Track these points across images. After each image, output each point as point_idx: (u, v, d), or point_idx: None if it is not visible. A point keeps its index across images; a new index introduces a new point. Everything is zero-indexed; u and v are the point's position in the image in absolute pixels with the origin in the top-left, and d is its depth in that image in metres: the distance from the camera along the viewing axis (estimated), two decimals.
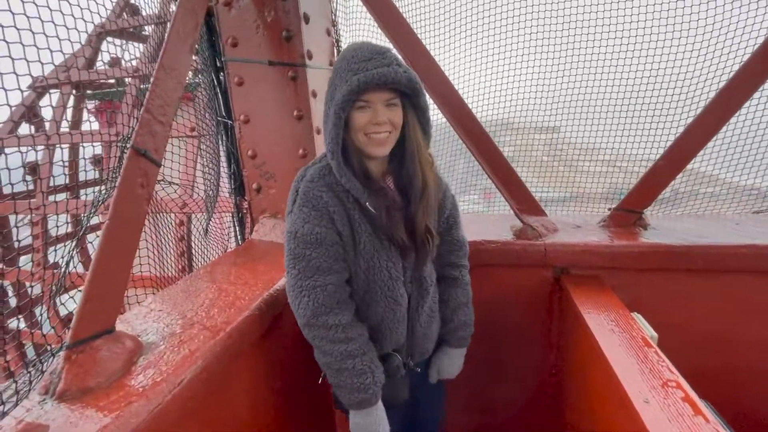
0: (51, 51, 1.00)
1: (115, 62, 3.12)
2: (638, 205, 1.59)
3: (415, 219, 1.04)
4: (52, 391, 0.80)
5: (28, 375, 0.83)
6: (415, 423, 1.39)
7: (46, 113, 3.51)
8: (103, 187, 1.05)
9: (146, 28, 3.19)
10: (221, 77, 1.76)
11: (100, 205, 1.01)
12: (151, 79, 1.08)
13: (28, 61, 0.93)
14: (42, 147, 2.65)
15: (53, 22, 1.02)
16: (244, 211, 1.93)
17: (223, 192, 1.99)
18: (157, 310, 1.17)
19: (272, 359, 1.29)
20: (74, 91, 2.80)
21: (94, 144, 2.98)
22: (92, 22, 1.22)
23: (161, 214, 1.94)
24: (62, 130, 2.88)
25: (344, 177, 0.99)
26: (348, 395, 1.05)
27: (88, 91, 3.04)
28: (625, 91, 2.03)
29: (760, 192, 1.87)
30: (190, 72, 1.42)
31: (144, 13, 3.19)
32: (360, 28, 2.12)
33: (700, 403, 0.88)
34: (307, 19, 1.60)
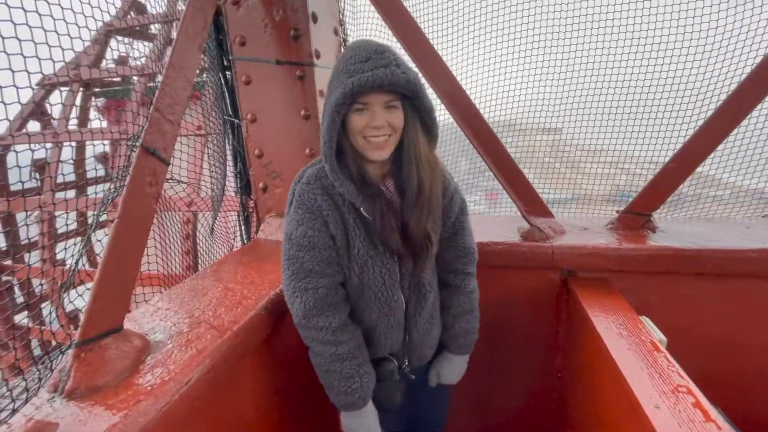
0: (62, 48, 1.00)
1: (122, 61, 3.13)
2: (647, 208, 1.57)
3: (409, 224, 1.01)
4: (61, 389, 0.80)
5: (38, 372, 0.83)
6: (416, 425, 1.39)
7: (50, 110, 3.53)
8: (112, 185, 1.05)
9: (152, 26, 3.20)
10: (228, 76, 1.76)
11: (109, 203, 1.01)
12: (161, 78, 1.08)
13: (39, 59, 0.93)
14: (50, 144, 2.67)
15: (64, 19, 1.02)
16: (250, 210, 1.93)
17: (228, 191, 1.99)
18: (164, 308, 1.17)
19: (277, 358, 1.29)
20: (82, 89, 2.82)
21: (103, 142, 2.99)
22: (101, 20, 1.22)
23: (167, 212, 1.94)
24: (70, 128, 2.89)
25: (338, 180, 0.98)
26: (335, 397, 1.08)
27: (96, 89, 3.05)
28: (630, 93, 2.01)
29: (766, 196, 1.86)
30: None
31: (150, 12, 3.20)
32: (367, 27, 2.11)
33: (711, 409, 0.87)
34: (315, 19, 1.59)
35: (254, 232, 1.89)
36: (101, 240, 1.01)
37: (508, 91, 2.27)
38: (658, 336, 1.19)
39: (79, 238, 1.12)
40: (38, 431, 0.70)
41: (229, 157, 1.90)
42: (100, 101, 3.17)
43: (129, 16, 3.04)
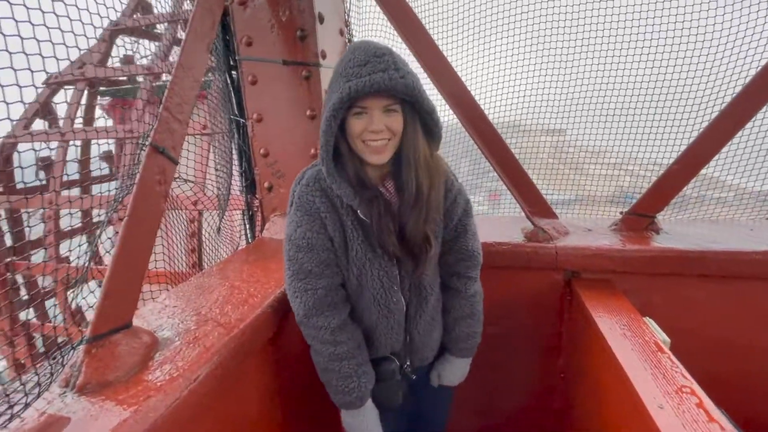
0: (66, 46, 1.00)
1: (128, 60, 3.15)
2: (651, 210, 1.58)
3: (407, 227, 1.00)
4: (72, 384, 0.81)
5: (50, 367, 0.85)
6: (418, 424, 1.39)
7: (55, 109, 3.55)
8: (122, 184, 1.07)
9: (157, 26, 3.22)
10: (234, 76, 1.77)
11: (119, 202, 1.02)
12: (170, 77, 1.10)
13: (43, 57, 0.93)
14: (56, 143, 2.69)
15: (68, 16, 1.03)
16: (255, 209, 1.94)
17: (233, 190, 2.00)
18: (172, 306, 1.18)
19: (282, 356, 1.30)
20: (88, 88, 2.83)
21: (108, 141, 3.01)
22: (107, 17, 1.23)
23: (173, 210, 1.96)
24: (75, 126, 2.91)
25: (335, 183, 0.98)
26: (334, 395, 1.09)
27: (101, 88, 3.07)
28: (634, 94, 2.02)
29: None
30: None
31: (156, 12, 3.22)
32: (373, 28, 2.13)
33: (715, 410, 0.87)
34: (321, 19, 1.60)
35: (259, 231, 1.91)
36: (110, 238, 1.02)
37: (512, 92, 2.28)
38: (662, 337, 1.20)
39: (89, 236, 1.13)
40: (51, 426, 0.71)
41: (235, 157, 1.91)
42: (106, 100, 3.20)
43: (135, 16, 3.05)
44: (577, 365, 1.54)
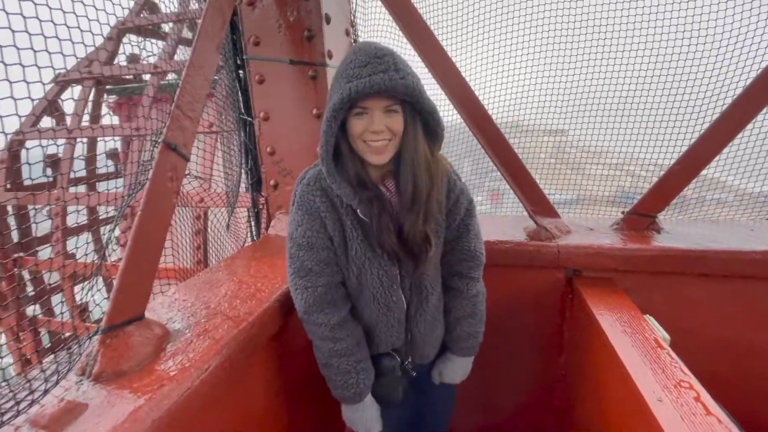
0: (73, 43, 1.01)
1: (134, 59, 3.18)
2: (652, 209, 1.60)
3: (405, 227, 1.01)
4: (89, 373, 0.84)
5: (68, 356, 0.87)
6: (421, 422, 1.41)
7: (63, 107, 3.59)
8: (134, 180, 1.09)
9: (163, 25, 3.25)
10: (241, 75, 1.80)
11: (132, 198, 1.04)
12: (180, 76, 1.12)
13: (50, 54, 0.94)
14: (63, 141, 2.72)
15: (75, 13, 1.04)
16: (261, 207, 1.97)
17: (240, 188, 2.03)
18: (181, 299, 1.21)
19: (287, 350, 1.33)
20: (97, 86, 2.87)
21: (114, 139, 3.04)
22: (115, 14, 1.24)
23: (181, 207, 1.99)
24: (88, 125, 2.94)
25: (335, 183, 0.99)
26: (334, 390, 1.12)
27: (108, 86, 3.10)
28: (637, 95, 2.03)
29: None
30: None
31: (162, 11, 3.25)
32: (378, 28, 2.15)
33: (713, 404, 0.89)
34: (328, 20, 1.63)
35: (264, 229, 1.93)
36: (124, 234, 1.05)
37: (514, 93, 2.30)
38: (662, 334, 1.22)
39: (94, 233, 1.14)
40: (70, 411, 0.73)
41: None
42: (112, 98, 3.23)
43: (142, 15, 3.08)
44: (578, 363, 1.56)
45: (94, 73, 2.68)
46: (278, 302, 1.24)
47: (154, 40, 3.13)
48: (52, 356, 0.87)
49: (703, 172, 1.54)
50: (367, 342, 1.16)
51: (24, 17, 0.84)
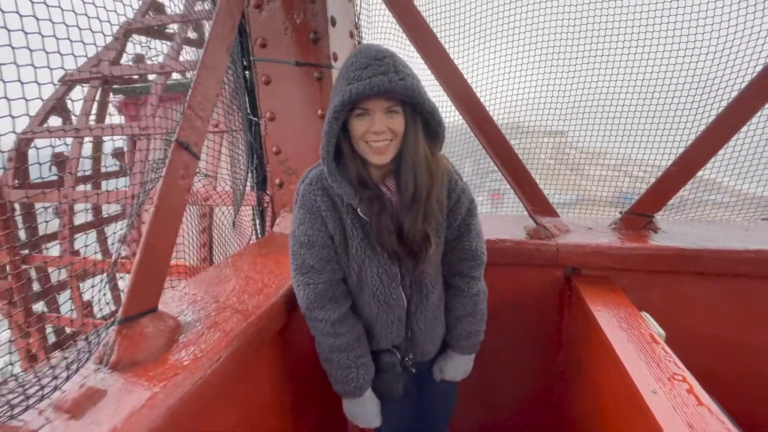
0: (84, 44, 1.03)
1: (139, 59, 3.22)
2: (649, 209, 1.63)
3: (404, 226, 1.03)
4: (106, 361, 0.88)
5: (87, 345, 0.91)
6: (423, 418, 1.44)
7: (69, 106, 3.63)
8: (148, 178, 1.13)
9: (169, 26, 3.29)
10: (247, 76, 1.84)
11: (146, 195, 1.08)
12: (193, 77, 1.16)
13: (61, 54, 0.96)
14: (70, 140, 2.76)
15: (86, 14, 1.06)
16: (266, 205, 2.00)
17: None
18: (191, 294, 1.25)
19: (293, 344, 1.36)
20: (104, 85, 2.91)
21: (122, 137, 3.08)
22: (124, 15, 1.27)
23: (188, 206, 2.02)
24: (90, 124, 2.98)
25: (336, 182, 1.01)
26: (334, 384, 1.16)
27: (115, 86, 3.14)
28: (634, 97, 2.06)
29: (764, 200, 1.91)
30: None
31: (168, 12, 3.29)
32: (381, 30, 2.19)
33: (704, 396, 0.93)
34: (333, 22, 1.67)
35: (269, 226, 1.97)
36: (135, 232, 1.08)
37: (514, 95, 2.33)
38: (657, 330, 1.25)
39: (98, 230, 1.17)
40: (90, 397, 0.77)
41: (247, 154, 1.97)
42: (119, 98, 3.27)
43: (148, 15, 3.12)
44: (576, 359, 1.59)
45: (102, 72, 2.72)
46: (284, 297, 1.27)
47: (160, 41, 3.17)
48: (72, 346, 0.90)
49: (699, 173, 1.58)
50: (368, 338, 1.18)
51: (37, 18, 0.87)
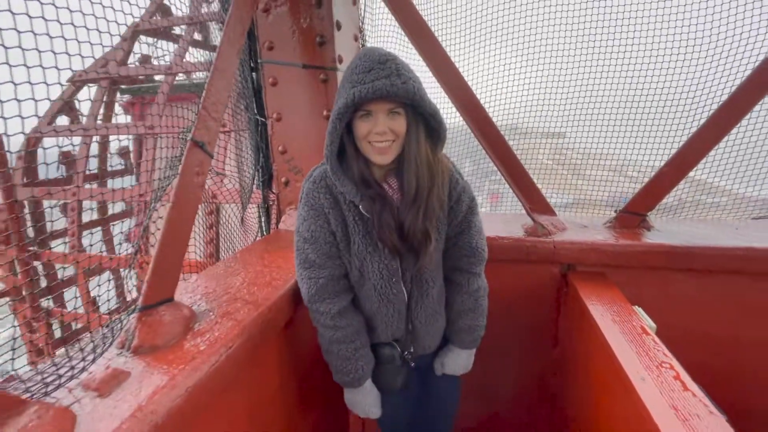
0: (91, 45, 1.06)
1: (145, 60, 3.28)
2: (642, 208, 1.69)
3: (405, 223, 1.06)
4: (128, 346, 0.93)
5: (111, 331, 0.97)
6: (427, 415, 1.47)
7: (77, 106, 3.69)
8: (163, 175, 1.19)
9: (175, 28, 3.35)
10: (254, 77, 1.90)
11: (163, 192, 1.14)
12: (207, 79, 1.22)
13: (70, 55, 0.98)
14: (78, 139, 2.82)
15: (94, 15, 1.09)
16: (271, 203, 2.06)
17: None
18: (203, 286, 1.30)
19: (299, 334, 1.41)
20: (111, 86, 2.97)
21: (126, 137, 3.14)
22: (132, 14, 1.31)
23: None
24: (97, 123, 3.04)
25: (338, 181, 1.06)
26: (335, 374, 1.21)
27: (122, 86, 3.20)
28: (633, 99, 2.11)
29: (758, 201, 1.97)
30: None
31: (174, 14, 3.35)
32: (384, 33, 2.24)
33: (690, 382, 0.99)
34: (339, 26, 1.72)
35: (274, 224, 2.03)
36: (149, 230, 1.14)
37: (514, 96, 2.38)
38: (649, 322, 1.31)
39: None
40: (116, 377, 0.83)
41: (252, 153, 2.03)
42: (125, 98, 3.33)
43: (155, 17, 3.18)
44: (572, 352, 1.65)
45: (110, 73, 2.78)
46: (291, 291, 1.33)
47: (166, 41, 3.23)
48: (98, 331, 0.96)
49: (691, 174, 1.64)
50: (369, 331, 1.23)
51: (45, 20, 0.89)
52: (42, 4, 0.88)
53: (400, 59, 0.99)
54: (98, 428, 0.71)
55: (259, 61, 1.81)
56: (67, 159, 2.86)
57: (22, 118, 0.84)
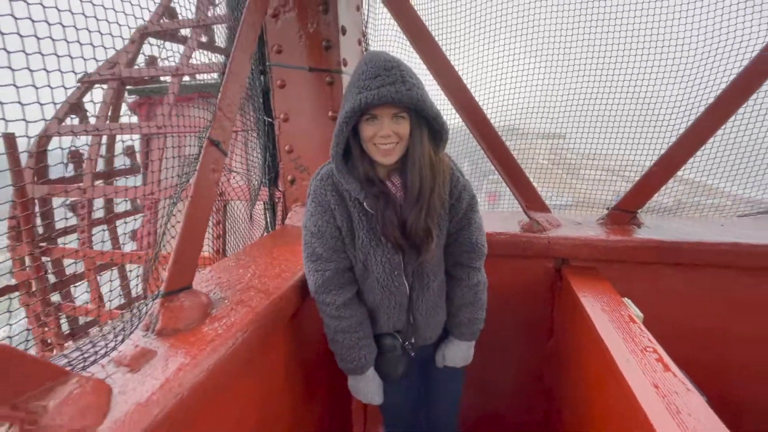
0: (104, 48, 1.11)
1: (151, 61, 3.36)
2: (632, 206, 1.77)
3: (408, 221, 1.11)
4: (152, 329, 1.01)
5: (138, 314, 1.04)
6: (432, 403, 1.54)
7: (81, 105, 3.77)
8: (182, 173, 1.26)
9: (181, 30, 3.43)
10: (263, 79, 1.98)
11: (183, 189, 1.22)
12: (222, 82, 1.30)
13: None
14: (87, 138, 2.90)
15: (107, 20, 1.14)
16: (277, 200, 2.14)
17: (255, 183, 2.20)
18: (217, 276, 1.38)
19: (307, 323, 1.48)
20: (118, 86, 3.05)
21: (131, 137, 3.22)
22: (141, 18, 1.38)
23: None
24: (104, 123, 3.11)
25: (344, 179, 1.11)
26: (339, 362, 1.28)
27: (129, 87, 3.28)
28: (633, 100, 2.16)
29: (746, 200, 2.05)
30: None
31: (180, 18, 3.43)
32: (387, 36, 2.32)
33: (671, 363, 1.07)
34: (344, 31, 1.81)
35: (280, 220, 2.11)
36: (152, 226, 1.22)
37: (513, 97, 2.46)
38: (636, 312, 1.39)
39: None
40: (144, 355, 0.91)
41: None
42: (132, 98, 3.41)
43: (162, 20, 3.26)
44: (566, 343, 1.72)
45: (119, 74, 2.85)
46: (300, 282, 1.40)
47: (172, 43, 3.30)
48: (124, 316, 1.04)
49: (679, 173, 1.72)
50: (372, 322, 1.30)
51: (63, 26, 0.94)
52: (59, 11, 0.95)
53: (404, 65, 1.04)
54: (131, 398, 0.79)
55: (267, 64, 1.89)
56: (75, 159, 2.94)
57: (45, 121, 0.91)
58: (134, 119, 3.81)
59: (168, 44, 3.35)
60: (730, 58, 1.70)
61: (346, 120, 1.03)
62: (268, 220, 2.21)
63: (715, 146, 1.84)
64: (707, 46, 1.73)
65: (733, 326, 1.66)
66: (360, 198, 1.12)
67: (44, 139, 2.79)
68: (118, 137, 3.36)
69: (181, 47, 3.24)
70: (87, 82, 2.97)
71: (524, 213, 1.84)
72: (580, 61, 2.19)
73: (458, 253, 1.30)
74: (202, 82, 3.05)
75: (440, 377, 1.48)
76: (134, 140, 3.35)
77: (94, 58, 1.02)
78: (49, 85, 0.88)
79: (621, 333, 1.21)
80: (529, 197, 1.84)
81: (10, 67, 0.78)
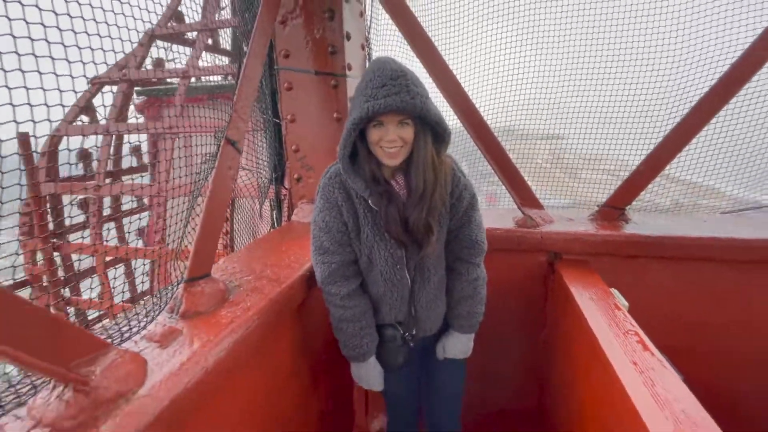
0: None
1: (158, 63, 3.46)
2: (621, 203, 1.88)
3: (409, 218, 1.18)
4: (177, 311, 1.11)
5: (165, 297, 1.14)
6: (435, 394, 1.61)
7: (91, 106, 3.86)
8: (200, 172, 1.36)
9: (188, 33, 3.53)
10: (271, 82, 2.07)
11: (202, 187, 1.31)
12: (237, 85, 1.40)
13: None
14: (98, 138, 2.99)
15: (117, 24, 1.17)
16: (283, 198, 2.24)
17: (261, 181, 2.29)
18: (231, 267, 1.48)
19: (314, 312, 1.57)
20: (128, 87, 3.14)
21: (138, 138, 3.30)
22: (149, 22, 1.45)
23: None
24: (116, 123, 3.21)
25: (350, 178, 1.18)
26: (342, 349, 1.37)
27: (137, 88, 3.38)
28: (633, 101, 2.22)
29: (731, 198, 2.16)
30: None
31: (187, 21, 3.53)
32: (387, 42, 2.42)
33: (650, 344, 1.17)
34: (348, 37, 1.90)
35: (286, 216, 2.21)
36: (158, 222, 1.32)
37: (511, 98, 2.54)
38: (622, 301, 1.49)
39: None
40: (171, 333, 1.00)
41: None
42: (140, 99, 3.50)
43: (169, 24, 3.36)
44: (558, 333, 1.82)
45: (128, 75, 2.95)
46: (307, 272, 1.50)
47: (180, 46, 3.40)
48: (151, 299, 1.14)
49: (666, 170, 1.82)
50: (375, 313, 1.38)
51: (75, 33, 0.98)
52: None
53: (410, 74, 1.10)
54: (165, 368, 0.89)
55: (275, 67, 1.99)
56: (87, 160, 3.03)
57: (68, 123, 0.98)
58: (141, 120, 3.90)
59: (174, 47, 3.45)
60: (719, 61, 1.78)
61: (354, 126, 1.10)
62: (275, 216, 2.31)
63: (698, 145, 1.94)
64: (693, 49, 1.82)
65: (711, 315, 1.76)
66: (365, 196, 1.19)
67: (56, 138, 2.88)
68: (125, 137, 3.45)
69: (188, 50, 3.34)
70: (97, 83, 3.07)
71: (519, 209, 1.94)
72: (580, 61, 2.23)
73: (459, 249, 1.36)
74: (210, 84, 3.15)
75: (442, 369, 1.54)
76: (141, 142, 3.45)
77: (105, 62, 1.07)
78: (73, 90, 0.92)
79: (606, 318, 1.31)
80: (523, 195, 1.94)
81: (38, 71, 0.86)
